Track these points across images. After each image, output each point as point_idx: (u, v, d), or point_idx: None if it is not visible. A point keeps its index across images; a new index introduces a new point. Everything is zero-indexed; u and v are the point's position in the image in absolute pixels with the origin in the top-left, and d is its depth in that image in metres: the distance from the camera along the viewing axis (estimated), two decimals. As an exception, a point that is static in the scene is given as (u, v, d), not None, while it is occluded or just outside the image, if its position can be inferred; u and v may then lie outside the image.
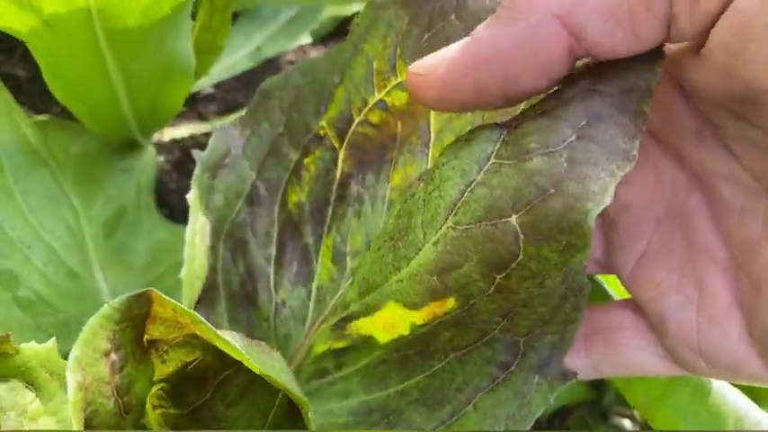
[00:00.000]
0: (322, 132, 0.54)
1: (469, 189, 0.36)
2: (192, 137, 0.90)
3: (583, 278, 0.40)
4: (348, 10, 1.05)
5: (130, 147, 0.77)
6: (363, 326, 0.45)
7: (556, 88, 0.38)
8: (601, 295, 0.54)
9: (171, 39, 0.58)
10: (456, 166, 0.37)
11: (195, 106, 0.95)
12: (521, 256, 0.35)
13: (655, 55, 0.36)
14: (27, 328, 0.56)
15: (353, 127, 0.52)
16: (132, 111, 0.67)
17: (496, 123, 0.38)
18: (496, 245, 0.35)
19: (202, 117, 0.94)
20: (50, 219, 0.63)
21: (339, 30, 1.06)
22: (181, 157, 0.89)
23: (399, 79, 0.49)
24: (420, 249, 0.38)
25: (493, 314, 0.41)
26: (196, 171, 0.58)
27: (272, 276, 0.56)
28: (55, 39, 0.55)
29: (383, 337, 0.45)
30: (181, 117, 0.94)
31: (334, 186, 0.53)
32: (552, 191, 0.33)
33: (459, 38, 0.37)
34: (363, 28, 0.51)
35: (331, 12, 1.05)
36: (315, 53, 1.05)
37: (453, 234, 0.36)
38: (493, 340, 0.44)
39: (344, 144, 0.52)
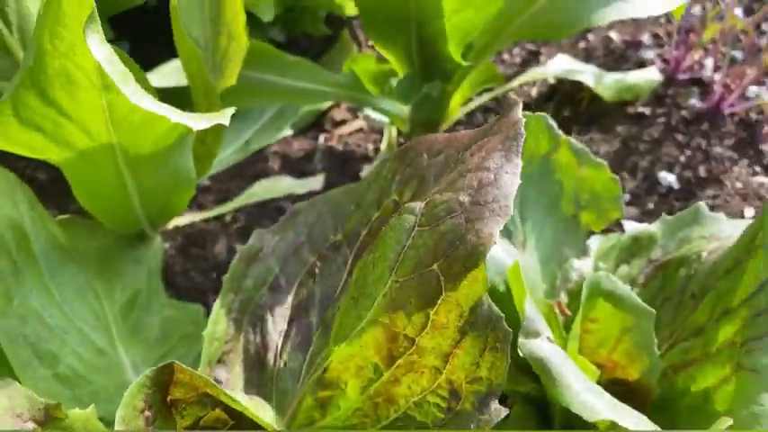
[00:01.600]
0: (338, 243, 0.69)
1: (403, 252, 0.51)
2: (191, 224, 1.04)
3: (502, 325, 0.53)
4: (323, 105, 1.21)
5: (141, 239, 0.91)
6: (338, 372, 0.58)
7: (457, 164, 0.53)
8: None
9: (175, 156, 0.73)
10: (393, 237, 0.52)
11: (194, 197, 1.10)
12: (443, 293, 0.49)
13: (516, 140, 0.51)
14: (66, 398, 0.68)
15: (361, 238, 0.67)
16: (144, 213, 0.81)
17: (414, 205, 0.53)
18: (425, 287, 0.49)
19: (201, 206, 1.09)
20: (80, 306, 0.76)
21: (316, 122, 1.22)
22: (183, 243, 1.03)
23: (392, 197, 0.64)
24: (374, 300, 0.52)
25: (437, 356, 0.54)
26: (234, 260, 0.73)
27: (279, 346, 0.69)
28: (84, 164, 0.69)
29: (355, 383, 0.58)
30: (182, 207, 1.08)
31: (343, 281, 0.67)
32: (458, 243, 0.48)
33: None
34: (374, 174, 0.68)
35: (309, 107, 1.20)
36: (296, 143, 1.20)
37: (396, 286, 0.51)
38: (439, 388, 0.57)
39: (354, 251, 0.67)
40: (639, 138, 1.26)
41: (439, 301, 0.51)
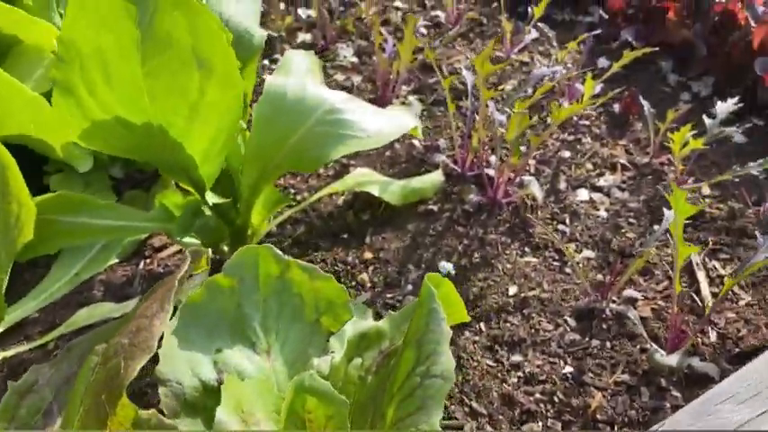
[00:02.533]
0: None
1: (88, 385, 0.68)
2: (16, 355, 1.19)
3: None
4: (143, 236, 1.39)
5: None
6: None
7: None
8: None
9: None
10: (83, 373, 0.69)
11: (23, 329, 1.25)
12: (110, 417, 0.66)
13: (170, 294, 0.69)
14: None
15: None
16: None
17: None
18: (100, 412, 0.66)
19: (28, 338, 1.24)
20: None
21: (138, 250, 1.40)
22: (8, 374, 1.17)
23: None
24: (74, 423, 0.69)
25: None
26: (6, 394, 0.88)
27: None
28: None
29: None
30: (11, 337, 1.23)
31: None
32: (116, 377, 0.65)
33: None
34: None
35: (132, 238, 1.38)
36: (120, 270, 1.38)
37: (83, 412, 0.68)
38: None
39: None
40: (426, 232, 1.47)
41: (109, 423, 0.67)
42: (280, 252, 1.00)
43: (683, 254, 1.09)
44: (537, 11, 1.89)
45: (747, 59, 1.68)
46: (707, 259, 1.40)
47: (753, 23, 1.71)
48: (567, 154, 1.67)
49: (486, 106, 1.53)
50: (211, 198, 1.20)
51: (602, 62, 1.93)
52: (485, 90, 1.35)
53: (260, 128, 1.16)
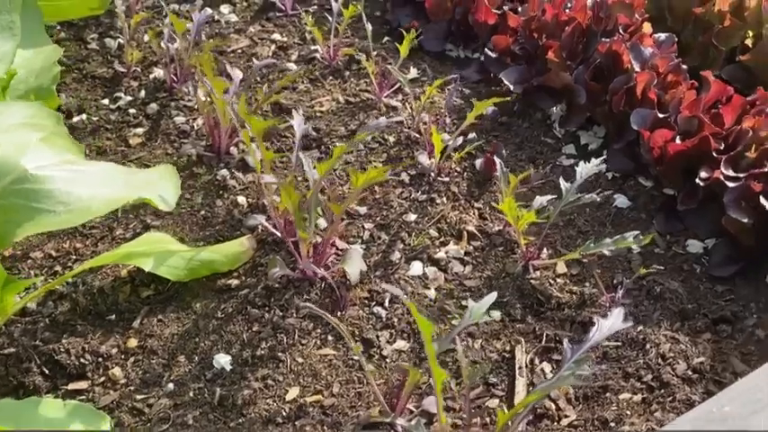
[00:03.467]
0: None
1: None
2: None
3: None
4: None
5: None
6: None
7: None
8: None
9: None
10: None
11: None
12: None
13: None
14: None
15: None
16: None
17: None
18: None
19: None
20: None
21: None
22: None
23: None
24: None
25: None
26: None
27: None
28: None
29: None
30: None
31: None
32: None
33: None
34: None
35: None
36: None
37: None
38: None
39: None
40: (213, 315, 1.22)
41: None
42: None
43: (439, 380, 0.84)
44: (402, 49, 1.65)
45: (630, 109, 1.44)
46: (537, 360, 1.14)
47: (637, 68, 1.47)
48: (412, 217, 1.42)
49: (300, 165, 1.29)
50: None
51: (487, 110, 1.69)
52: (264, 149, 1.12)
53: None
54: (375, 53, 1.82)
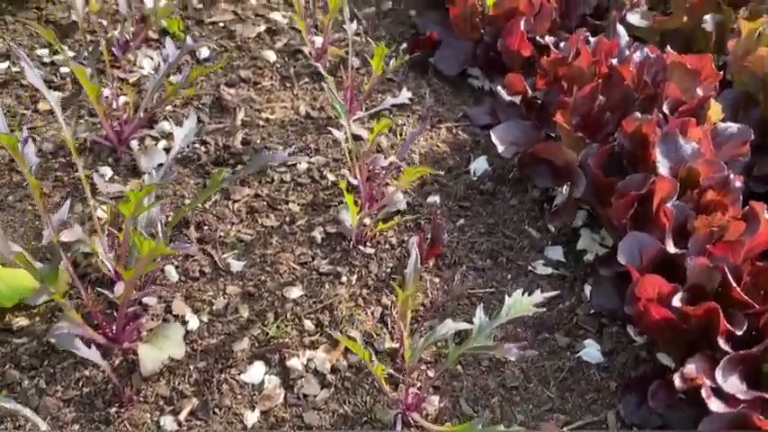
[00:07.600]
0: None
1: None
2: None
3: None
4: None
5: None
6: None
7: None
8: None
9: None
10: None
11: None
12: None
13: None
14: None
15: None
16: None
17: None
18: None
19: None
20: None
21: None
22: None
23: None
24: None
25: None
26: None
27: None
28: None
29: None
30: None
31: None
32: None
33: None
34: None
35: None
36: None
37: None
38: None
39: None
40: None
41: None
42: None
43: None
44: (375, 65, 1.25)
45: (633, 227, 0.97)
46: None
47: (663, 170, 1.00)
48: (294, 293, 1.05)
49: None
50: None
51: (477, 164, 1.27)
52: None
53: None
54: (377, 59, 1.42)
